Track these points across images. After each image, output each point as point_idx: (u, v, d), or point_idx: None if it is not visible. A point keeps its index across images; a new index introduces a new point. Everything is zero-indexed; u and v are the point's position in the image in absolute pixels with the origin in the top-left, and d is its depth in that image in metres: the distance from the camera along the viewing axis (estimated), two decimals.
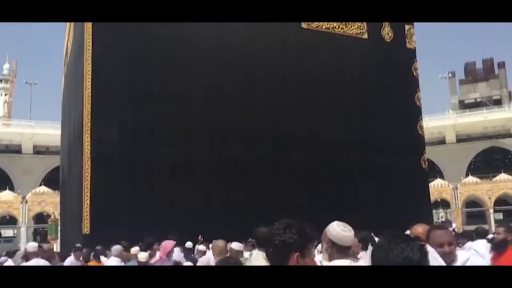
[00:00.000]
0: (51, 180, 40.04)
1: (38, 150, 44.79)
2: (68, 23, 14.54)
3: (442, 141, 51.72)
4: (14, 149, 44.30)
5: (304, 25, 11.54)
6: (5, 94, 65.82)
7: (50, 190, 36.76)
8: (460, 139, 51.89)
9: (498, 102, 58.51)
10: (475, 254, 3.57)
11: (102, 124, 9.59)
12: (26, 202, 36.33)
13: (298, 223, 1.74)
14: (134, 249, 6.11)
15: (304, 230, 1.76)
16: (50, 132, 40.22)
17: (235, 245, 4.53)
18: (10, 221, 38.43)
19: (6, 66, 68.30)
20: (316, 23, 11.64)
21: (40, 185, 40.47)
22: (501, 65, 62.26)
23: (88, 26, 9.59)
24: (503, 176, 43.21)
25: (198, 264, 6.04)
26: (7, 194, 37.92)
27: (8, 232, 41.04)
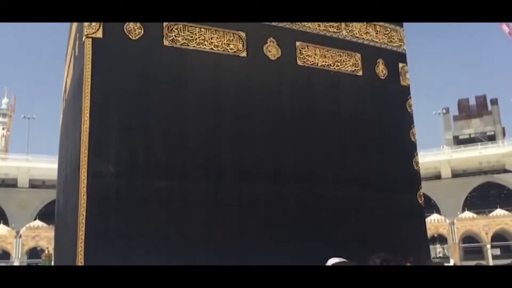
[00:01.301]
0: (46, 214, 39.76)
1: (34, 184, 44.65)
2: (68, 61, 14.77)
3: (437, 176, 51.84)
4: (10, 183, 44.15)
5: (299, 62, 11.78)
6: (3, 128, 66.09)
7: (44, 225, 36.44)
8: (455, 174, 52.05)
9: (492, 138, 59.04)
10: None
11: (99, 159, 9.65)
12: (20, 236, 35.93)
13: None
14: None
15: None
16: (47, 166, 40.22)
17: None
18: (3, 256, 37.92)
19: (5, 100, 68.84)
20: (312, 60, 11.89)
21: (35, 219, 40.16)
22: (494, 101, 63.16)
23: (88, 63, 9.76)
24: (499, 211, 43.18)
25: None
26: (1, 229, 37.54)
27: None
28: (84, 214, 9.28)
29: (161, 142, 10.19)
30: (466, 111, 64.33)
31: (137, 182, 9.87)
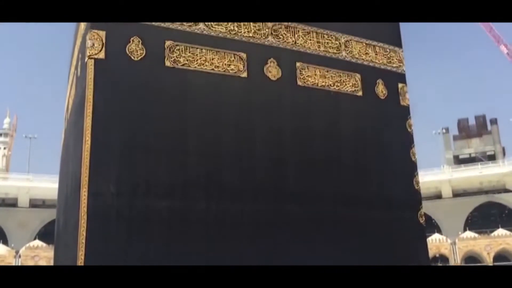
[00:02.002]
0: (46, 234, 39.63)
1: (34, 204, 44.60)
2: (70, 81, 14.89)
3: (438, 196, 51.74)
4: (10, 203, 44.11)
5: (300, 82, 11.88)
6: (4, 148, 66.44)
7: (44, 244, 36.30)
8: (456, 194, 51.96)
9: (492, 158, 59.16)
10: None
11: (100, 178, 9.66)
12: (20, 256, 35.75)
13: None
14: None
15: None
16: (47, 186, 40.19)
17: None
18: None
19: (6, 120, 69.34)
20: (312, 81, 11.99)
21: (35, 239, 39.99)
22: (493, 121, 63.45)
23: (90, 83, 9.85)
24: (501, 231, 43.00)
25: None
26: (0, 248, 37.35)
27: None
28: (84, 234, 9.25)
29: (162, 162, 10.22)
30: (466, 131, 64.53)
31: (138, 201, 9.87)
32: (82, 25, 11.37)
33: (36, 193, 43.89)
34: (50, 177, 41.57)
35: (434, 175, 50.79)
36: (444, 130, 64.43)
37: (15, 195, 44.03)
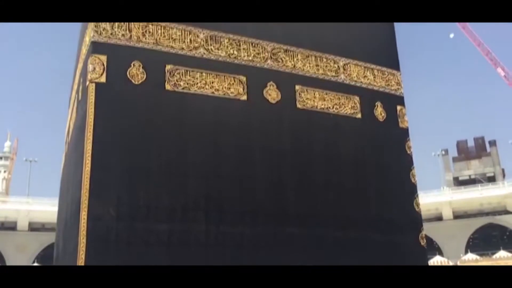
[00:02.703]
0: (45, 257, 39.28)
1: (34, 227, 44.28)
2: (71, 105, 14.98)
3: (439, 218, 51.48)
4: (9, 226, 43.80)
5: (299, 105, 11.96)
6: (4, 171, 66.39)
7: None
8: (457, 216, 51.69)
9: (492, 179, 59.00)
10: None
11: (99, 202, 9.64)
12: None
13: None
14: None
15: None
16: (47, 209, 39.97)
17: None
18: None
19: (7, 144, 69.52)
20: (311, 103, 12.09)
21: (33, 262, 39.62)
22: (492, 143, 63.55)
23: (91, 107, 9.92)
24: (502, 253, 42.61)
25: None
26: None
27: None
28: (83, 258, 9.19)
29: (162, 185, 10.22)
30: (465, 153, 64.58)
31: (138, 224, 9.83)
32: (84, 49, 11.50)
33: (35, 217, 43.70)
34: (49, 200, 41.45)
35: (434, 197, 50.63)
36: (443, 152, 64.50)
37: (14, 218, 43.83)
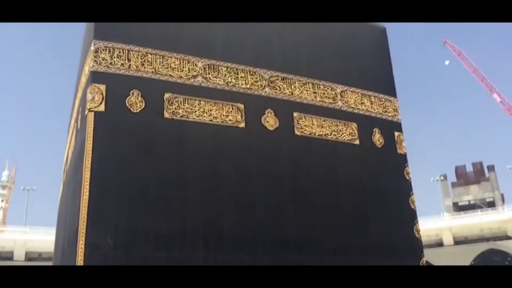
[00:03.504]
0: None
1: (31, 257, 43.73)
2: (70, 133, 15.02)
3: (440, 244, 51.08)
4: (5, 256, 43.25)
5: (297, 132, 12.01)
6: (2, 201, 66.11)
7: None
8: (457, 241, 51.30)
9: (492, 205, 58.78)
10: None
11: (97, 230, 9.57)
12: None
13: None
14: None
15: None
16: (44, 238, 39.56)
17: None
18: None
19: (5, 173, 69.37)
20: (309, 130, 12.15)
21: None
22: (491, 168, 63.53)
23: (89, 135, 9.95)
24: None
25: None
26: None
27: None
28: None
29: (160, 212, 10.17)
30: (464, 178, 64.53)
31: (136, 252, 9.74)
32: (83, 79, 11.61)
33: (32, 246, 43.26)
34: (46, 229, 41.06)
35: (434, 222, 50.36)
36: (442, 177, 64.41)
37: (11, 248, 43.37)
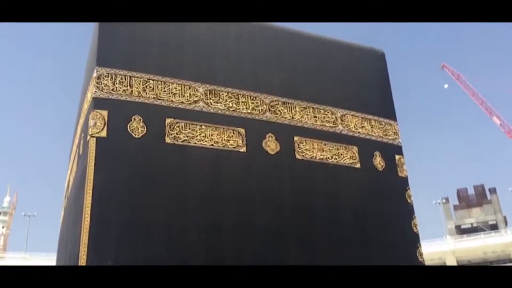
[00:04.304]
0: None
1: None
2: (71, 159, 15.05)
3: None
4: None
5: (298, 156, 12.04)
6: (3, 227, 65.89)
7: None
8: (461, 265, 50.74)
9: (494, 227, 58.42)
10: None
11: (98, 257, 9.50)
12: None
13: None
14: None
15: None
16: (45, 264, 39.29)
17: None
18: None
19: (6, 199, 69.32)
20: (310, 154, 12.18)
21: None
22: (493, 190, 63.33)
23: (91, 161, 9.97)
24: None
25: None
26: None
27: None
28: None
29: (161, 239, 10.11)
30: (465, 201, 64.28)
31: None
32: (85, 105, 11.70)
33: None
34: (47, 255, 40.77)
35: (437, 246, 50.03)
36: (444, 200, 64.14)
37: None
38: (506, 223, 59.57)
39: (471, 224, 61.49)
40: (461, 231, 60.51)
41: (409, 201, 13.34)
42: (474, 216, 61.92)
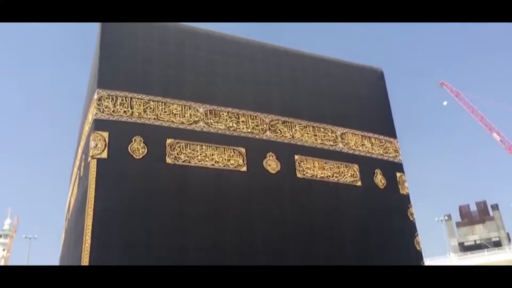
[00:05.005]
0: None
1: None
2: (72, 181, 15.04)
3: None
4: None
5: (299, 174, 12.03)
6: (3, 250, 65.42)
7: None
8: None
9: (498, 244, 57.94)
10: None
11: None
12: None
13: None
14: None
15: None
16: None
17: None
18: None
19: (7, 221, 69.01)
20: (311, 173, 12.17)
21: None
22: (495, 207, 62.96)
23: (92, 182, 9.96)
24: None
25: None
26: None
27: None
28: None
29: (162, 260, 10.03)
30: (468, 217, 63.87)
31: None
32: (86, 126, 11.73)
33: None
34: None
35: (441, 263, 49.58)
36: (446, 217, 63.73)
37: None
38: (509, 240, 59.12)
39: (474, 241, 60.98)
40: (465, 248, 60.01)
41: (411, 218, 13.28)
42: (477, 233, 61.47)
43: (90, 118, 11.20)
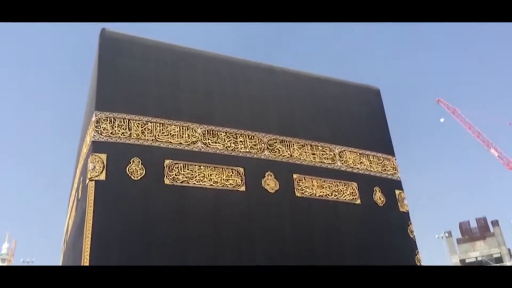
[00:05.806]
0: None
1: None
2: (70, 203, 14.99)
3: None
4: None
5: (298, 193, 12.02)
6: None
7: None
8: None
9: (499, 260, 57.66)
10: None
11: None
12: None
13: None
14: None
15: None
16: None
17: None
18: None
19: (5, 245, 68.36)
20: (310, 191, 12.15)
21: None
22: (495, 223, 62.80)
23: (90, 204, 9.92)
24: None
25: None
26: None
27: None
28: None
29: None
30: (468, 234, 63.66)
31: None
32: (84, 148, 11.74)
33: None
34: None
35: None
36: (446, 234, 63.50)
37: None
38: (510, 256, 58.85)
39: (476, 257, 60.68)
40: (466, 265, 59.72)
41: (411, 236, 13.24)
42: (478, 250, 61.19)
43: (88, 140, 11.21)
